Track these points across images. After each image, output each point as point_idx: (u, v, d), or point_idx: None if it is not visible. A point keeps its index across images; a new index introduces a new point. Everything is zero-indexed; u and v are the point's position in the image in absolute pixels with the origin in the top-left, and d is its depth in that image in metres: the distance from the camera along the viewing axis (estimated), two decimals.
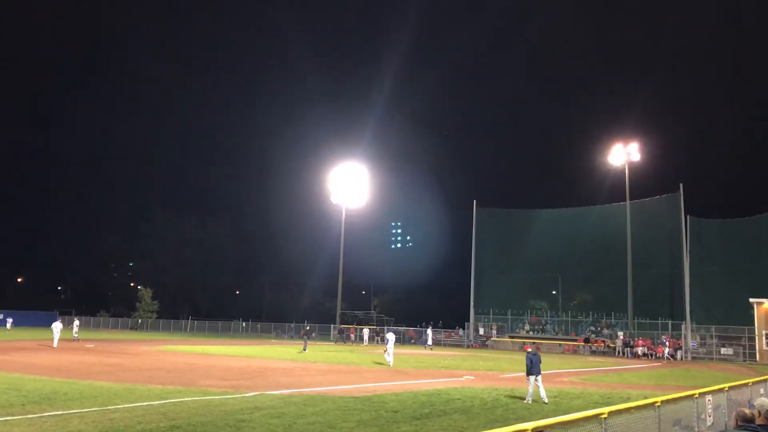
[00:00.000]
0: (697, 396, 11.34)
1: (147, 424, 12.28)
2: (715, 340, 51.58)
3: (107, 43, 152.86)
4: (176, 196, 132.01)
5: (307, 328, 52.65)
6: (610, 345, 53.99)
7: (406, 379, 24.28)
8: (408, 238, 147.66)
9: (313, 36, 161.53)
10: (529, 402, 17.75)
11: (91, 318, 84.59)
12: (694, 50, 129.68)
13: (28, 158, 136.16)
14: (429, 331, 55.95)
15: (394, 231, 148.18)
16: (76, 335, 46.29)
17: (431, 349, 52.09)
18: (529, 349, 19.21)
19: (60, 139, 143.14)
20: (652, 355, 50.10)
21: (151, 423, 12.45)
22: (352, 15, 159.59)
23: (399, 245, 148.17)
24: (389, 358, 31.20)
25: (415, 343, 61.53)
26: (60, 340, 38.31)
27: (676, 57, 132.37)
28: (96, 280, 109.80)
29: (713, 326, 51.99)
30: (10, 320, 62.85)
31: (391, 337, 33.08)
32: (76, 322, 48.76)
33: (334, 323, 70.70)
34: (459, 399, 18.13)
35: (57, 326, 39.11)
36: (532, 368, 18.08)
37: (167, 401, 15.54)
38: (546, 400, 17.78)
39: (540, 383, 18.14)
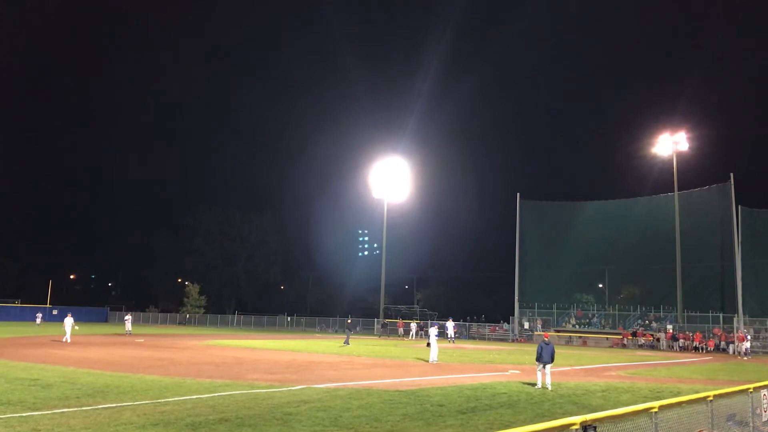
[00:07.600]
0: (751, 390, 11.01)
1: (196, 417, 12.50)
2: None
3: (157, 42, 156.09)
4: (221, 193, 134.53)
5: (349, 321, 52.79)
6: (658, 338, 52.86)
7: (451, 373, 24.20)
8: (451, 232, 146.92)
9: (357, 32, 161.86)
10: (539, 388, 18.67)
11: (141, 313, 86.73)
12: (744, 36, 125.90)
13: (78, 158, 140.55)
14: (449, 324, 54.48)
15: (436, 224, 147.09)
16: (128, 330, 47.48)
17: (453, 342, 51.70)
18: (546, 338, 20.10)
19: (109, 138, 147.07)
20: (702, 349, 48.92)
21: (201, 416, 12.67)
22: (396, 10, 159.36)
23: (442, 239, 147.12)
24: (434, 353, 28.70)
25: (459, 337, 61.36)
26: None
27: (725, 44, 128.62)
28: (144, 277, 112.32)
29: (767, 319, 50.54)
30: (39, 315, 63.84)
31: (432, 331, 29.52)
32: (129, 318, 49.81)
33: (378, 317, 71.00)
34: (505, 393, 17.95)
35: (68, 321, 37.23)
36: (542, 356, 19.01)
37: (216, 394, 15.80)
38: (549, 388, 18.54)
39: (548, 371, 18.92)
